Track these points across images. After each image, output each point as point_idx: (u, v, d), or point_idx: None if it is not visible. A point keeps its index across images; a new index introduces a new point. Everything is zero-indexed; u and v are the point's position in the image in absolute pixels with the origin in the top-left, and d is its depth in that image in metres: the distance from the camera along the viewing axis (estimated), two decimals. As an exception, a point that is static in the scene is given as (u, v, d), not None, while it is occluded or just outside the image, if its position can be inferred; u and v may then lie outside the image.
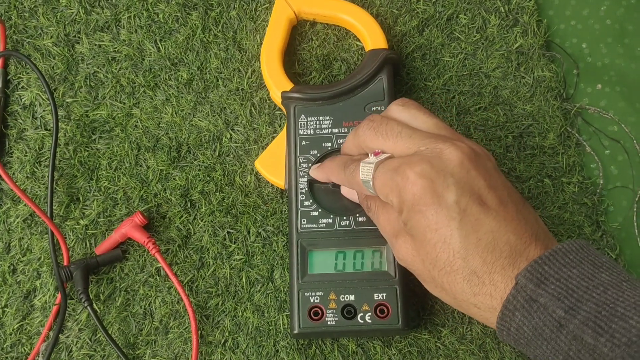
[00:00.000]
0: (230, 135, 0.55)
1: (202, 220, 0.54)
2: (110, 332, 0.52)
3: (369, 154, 0.44)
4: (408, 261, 0.42)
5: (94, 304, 0.52)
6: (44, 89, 0.56)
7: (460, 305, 0.41)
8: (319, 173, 0.50)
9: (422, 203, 0.39)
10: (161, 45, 0.57)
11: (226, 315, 0.52)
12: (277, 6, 0.56)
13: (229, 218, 0.54)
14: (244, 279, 0.53)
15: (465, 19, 0.57)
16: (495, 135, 0.55)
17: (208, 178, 0.55)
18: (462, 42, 0.57)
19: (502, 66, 0.56)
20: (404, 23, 0.57)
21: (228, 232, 0.54)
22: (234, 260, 0.53)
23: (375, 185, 0.43)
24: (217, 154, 0.55)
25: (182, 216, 0.54)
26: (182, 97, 0.56)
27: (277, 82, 0.54)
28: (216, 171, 0.55)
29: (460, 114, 0.55)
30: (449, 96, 0.56)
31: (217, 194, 0.54)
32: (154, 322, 0.52)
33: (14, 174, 0.55)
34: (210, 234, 0.53)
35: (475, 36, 0.57)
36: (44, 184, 0.55)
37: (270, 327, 0.52)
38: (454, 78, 0.56)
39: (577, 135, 0.55)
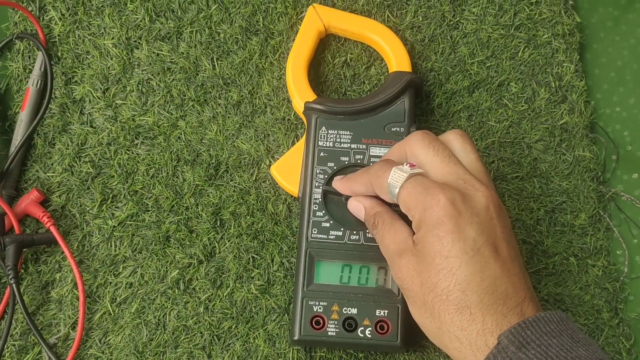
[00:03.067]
0: (270, 162, 0.56)
1: (228, 241, 0.54)
2: (120, 337, 0.52)
3: (404, 164, 0.45)
4: (406, 281, 0.43)
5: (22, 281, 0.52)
6: (96, 87, 0.57)
7: (442, 335, 0.41)
8: (342, 184, 0.50)
9: (443, 229, 0.41)
10: (217, 63, 0.58)
11: (237, 339, 0.52)
12: (308, 17, 0.57)
13: (255, 243, 0.54)
14: (261, 306, 0.53)
15: (515, 87, 0.58)
16: (528, 207, 0.56)
17: (241, 200, 0.55)
18: (509, 110, 0.58)
19: (544, 139, 0.57)
20: (456, 82, 0.58)
21: (252, 257, 0.54)
22: (253, 286, 0.53)
23: (401, 195, 0.44)
24: (253, 179, 0.56)
25: (210, 233, 0.54)
26: (228, 117, 0.57)
27: (300, 92, 0.55)
28: (250, 195, 0.55)
29: (497, 180, 0.56)
30: (489, 160, 0.56)
31: (248, 217, 0.55)
32: (165, 334, 0.52)
33: (52, 164, 0.56)
34: (235, 256, 0.54)
35: (523, 106, 0.58)
36: (80, 179, 0.55)
37: (280, 359, 0.52)
38: (496, 143, 0.57)
39: (607, 219, 0.56)
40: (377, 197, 0.48)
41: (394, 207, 0.47)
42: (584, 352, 0.37)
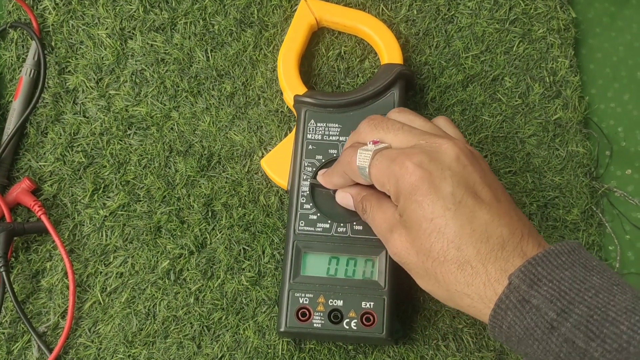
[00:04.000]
0: (262, 154, 0.56)
1: (220, 232, 0.54)
2: (110, 326, 0.52)
3: (368, 143, 0.45)
4: (402, 255, 0.43)
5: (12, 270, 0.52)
6: (89, 77, 0.57)
7: (453, 297, 0.41)
8: (324, 179, 0.51)
9: (419, 193, 0.41)
10: (211, 55, 0.58)
11: (227, 330, 0.52)
12: (300, 11, 0.57)
13: (246, 235, 0.54)
14: (251, 297, 0.53)
15: (509, 82, 0.58)
16: (521, 201, 0.55)
17: (233, 192, 0.55)
18: (502, 104, 0.58)
19: (538, 134, 0.57)
20: (450, 76, 0.58)
21: (243, 249, 0.54)
22: (244, 277, 0.53)
23: (372, 173, 0.44)
24: (246, 170, 0.56)
25: (201, 224, 0.54)
26: (222, 109, 0.57)
27: (291, 85, 0.55)
28: (242, 186, 0.55)
29: (490, 174, 0.56)
30: (482, 154, 0.56)
31: (240, 209, 0.55)
32: (155, 324, 0.52)
33: (44, 153, 0.56)
34: (226, 247, 0.54)
35: (517, 101, 0.58)
36: (72, 168, 0.55)
37: (269, 350, 0.52)
38: (489, 138, 0.57)
39: (600, 215, 0.56)
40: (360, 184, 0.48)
41: None
42: (598, 280, 0.37)
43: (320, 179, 0.51)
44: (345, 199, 0.49)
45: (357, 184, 0.48)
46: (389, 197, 0.45)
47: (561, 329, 0.36)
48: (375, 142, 0.45)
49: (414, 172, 0.41)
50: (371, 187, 0.47)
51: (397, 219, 0.43)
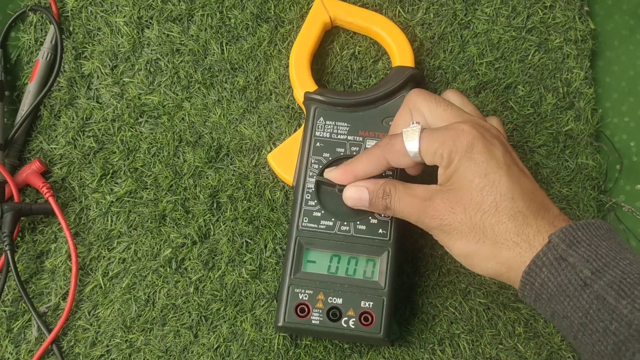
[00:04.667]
0: (271, 148, 0.56)
1: (224, 224, 0.54)
2: (109, 311, 0.53)
3: (411, 123, 0.46)
4: (446, 215, 0.43)
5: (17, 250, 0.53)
6: (105, 63, 0.57)
7: (499, 250, 0.42)
8: (342, 171, 0.49)
9: (475, 150, 0.43)
10: (226, 48, 0.58)
11: (225, 321, 0.52)
12: (315, 8, 0.57)
13: (250, 228, 0.54)
14: (250, 291, 0.53)
15: (522, 90, 0.58)
16: (527, 210, 0.55)
17: (239, 185, 0.55)
18: (514, 113, 0.57)
19: (548, 145, 0.57)
20: (463, 81, 0.58)
21: (246, 242, 0.54)
22: (245, 270, 0.53)
23: (422, 144, 0.44)
24: (253, 164, 0.56)
25: (205, 215, 0.55)
26: (233, 102, 0.57)
27: (302, 82, 0.55)
28: (249, 180, 0.55)
29: (497, 182, 0.56)
30: (490, 162, 0.56)
31: (245, 202, 0.55)
32: (154, 312, 0.53)
33: (56, 136, 0.56)
34: (228, 239, 0.54)
35: (528, 110, 0.57)
36: (82, 152, 0.56)
37: (265, 344, 0.52)
38: (498, 145, 0.56)
39: (607, 229, 0.55)
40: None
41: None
42: (631, 256, 0.39)
43: (333, 173, 0.50)
44: (358, 192, 0.48)
45: (370, 178, 0.48)
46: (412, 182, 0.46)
47: (594, 286, 0.38)
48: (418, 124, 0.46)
49: (470, 131, 0.43)
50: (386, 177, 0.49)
51: (434, 190, 0.45)
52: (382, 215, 0.50)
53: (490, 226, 0.42)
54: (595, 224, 0.40)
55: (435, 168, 0.45)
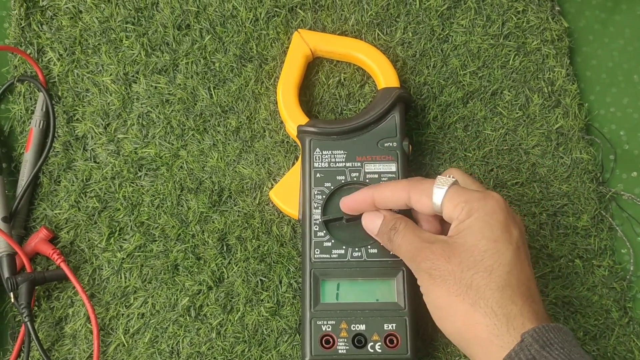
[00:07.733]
0: (271, 184, 0.57)
1: (236, 266, 0.55)
2: (135, 367, 0.53)
3: (448, 176, 0.47)
4: (439, 261, 0.44)
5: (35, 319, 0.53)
6: (97, 123, 0.58)
7: (474, 312, 0.42)
8: (363, 194, 0.50)
9: (495, 218, 0.44)
10: (214, 92, 0.59)
11: (251, 362, 0.53)
12: (294, 42, 0.58)
13: (262, 266, 0.55)
14: (272, 328, 0.53)
15: (509, 95, 0.59)
16: (530, 212, 0.56)
17: (246, 224, 0.56)
18: (504, 118, 0.58)
19: (541, 144, 0.58)
20: (450, 94, 0.59)
21: (260, 280, 0.55)
22: (263, 308, 0.54)
23: (450, 192, 0.45)
24: (257, 202, 0.56)
25: (217, 259, 0.55)
26: (228, 144, 0.58)
27: (292, 116, 0.56)
28: (254, 218, 0.56)
29: (497, 187, 0.57)
30: (488, 168, 0.57)
31: (254, 241, 0.55)
32: (179, 362, 0.53)
33: (59, 201, 0.57)
34: (243, 280, 0.54)
35: (517, 113, 0.58)
36: (86, 214, 0.56)
37: (294, 379, 0.52)
38: (493, 151, 0.58)
39: (610, 219, 0.57)
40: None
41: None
42: None
43: (350, 199, 0.50)
44: (374, 216, 0.49)
45: (388, 210, 0.49)
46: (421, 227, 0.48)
47: None
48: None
49: (499, 201, 0.45)
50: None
51: (439, 238, 0.45)
52: None
53: (477, 287, 0.42)
54: (564, 329, 0.41)
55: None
